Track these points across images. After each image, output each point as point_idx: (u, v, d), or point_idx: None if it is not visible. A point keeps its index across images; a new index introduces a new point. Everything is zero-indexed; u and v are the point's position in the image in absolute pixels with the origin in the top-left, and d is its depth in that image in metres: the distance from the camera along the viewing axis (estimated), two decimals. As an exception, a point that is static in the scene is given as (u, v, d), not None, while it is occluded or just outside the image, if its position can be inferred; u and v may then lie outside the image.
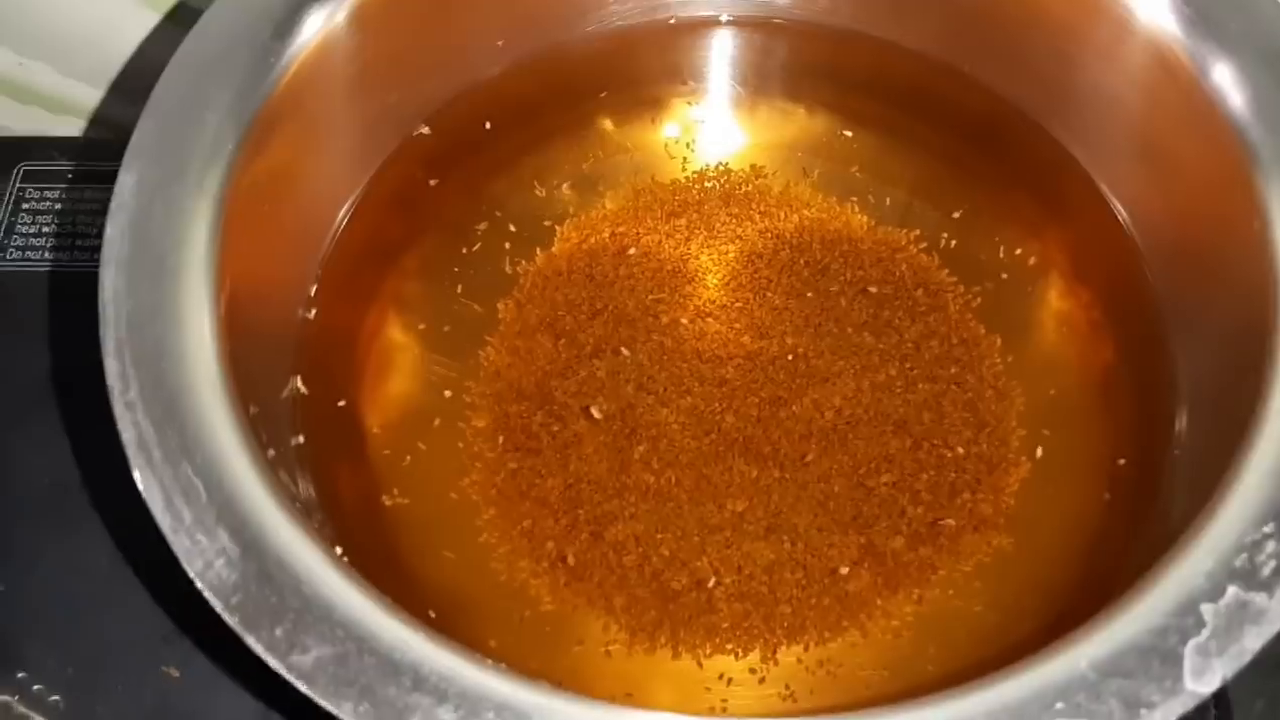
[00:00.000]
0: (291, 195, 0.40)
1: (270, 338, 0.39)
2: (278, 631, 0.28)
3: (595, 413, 0.42)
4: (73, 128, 0.64)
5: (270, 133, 0.37)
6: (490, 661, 0.28)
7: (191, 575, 0.28)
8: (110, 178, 0.57)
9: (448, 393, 0.44)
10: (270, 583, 0.28)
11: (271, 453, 0.32)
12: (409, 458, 0.42)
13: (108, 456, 0.49)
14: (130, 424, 0.30)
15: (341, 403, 0.42)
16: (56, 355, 0.53)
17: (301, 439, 0.40)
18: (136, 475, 0.29)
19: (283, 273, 0.41)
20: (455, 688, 0.27)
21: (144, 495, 0.29)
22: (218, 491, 0.30)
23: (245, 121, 0.36)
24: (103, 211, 0.56)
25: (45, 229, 0.57)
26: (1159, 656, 0.28)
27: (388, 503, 0.41)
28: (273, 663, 0.27)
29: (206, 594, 0.28)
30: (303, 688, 0.27)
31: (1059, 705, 0.27)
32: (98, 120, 0.63)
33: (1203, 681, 0.27)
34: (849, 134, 0.49)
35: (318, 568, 0.29)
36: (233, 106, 0.36)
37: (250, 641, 0.27)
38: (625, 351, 0.44)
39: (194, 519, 0.29)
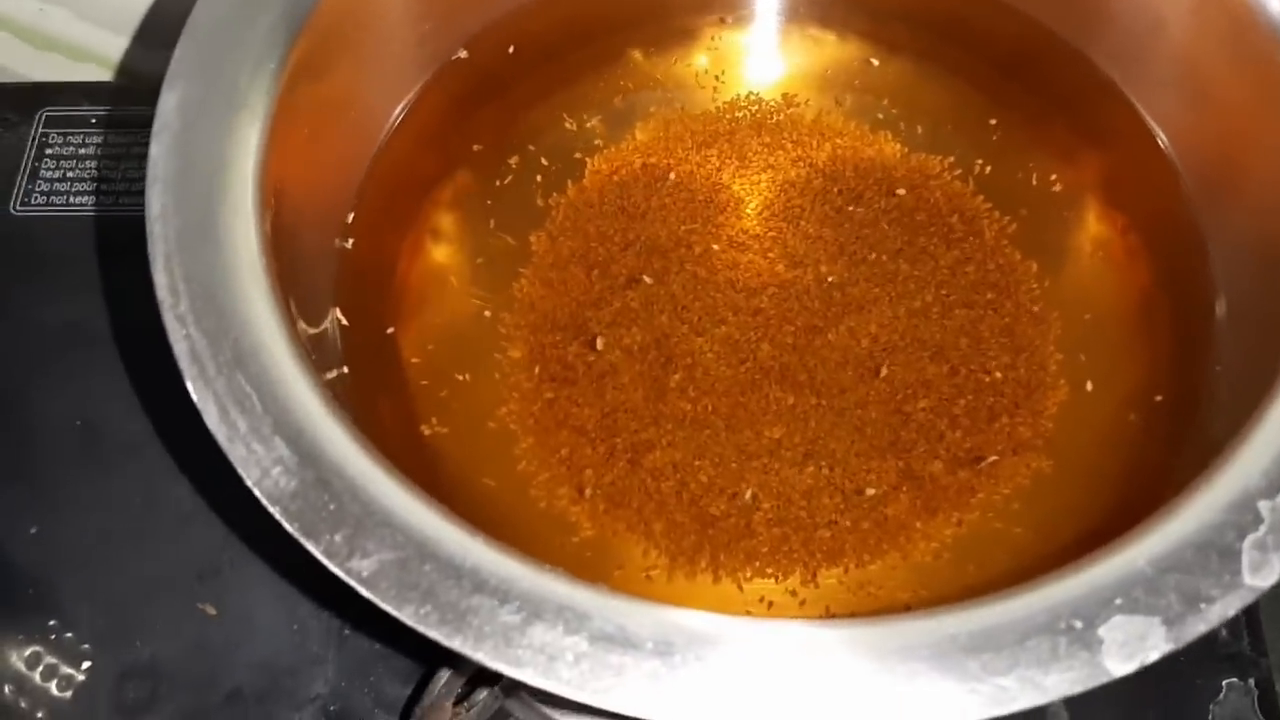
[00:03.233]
0: (331, 118, 0.40)
1: (311, 266, 0.39)
2: (337, 538, 0.28)
3: (600, 344, 0.42)
4: (94, 74, 0.63)
5: (312, 53, 0.37)
6: (549, 566, 0.28)
7: (249, 484, 0.28)
8: (134, 122, 0.58)
9: (483, 323, 0.43)
10: (328, 490, 0.28)
11: (333, 374, 0.32)
12: (446, 388, 0.42)
13: (143, 389, 0.51)
14: (182, 337, 0.30)
15: (390, 329, 0.42)
16: (81, 299, 0.53)
17: (346, 369, 0.40)
18: (190, 387, 0.29)
19: (323, 198, 0.41)
20: (516, 590, 0.27)
21: (198, 407, 0.29)
22: (272, 402, 0.29)
23: (288, 40, 0.36)
24: (126, 156, 0.57)
25: (69, 174, 0.57)
26: (1217, 552, 0.28)
27: (427, 432, 0.41)
28: (333, 568, 0.27)
29: (264, 502, 0.28)
30: (364, 592, 0.27)
31: (1118, 600, 0.27)
32: (119, 65, 0.63)
33: (1260, 575, 0.27)
34: (881, 61, 0.49)
35: (375, 476, 0.29)
36: (275, 25, 0.36)
37: (310, 547, 0.27)
38: (648, 279, 0.44)
39: (249, 428, 0.29)
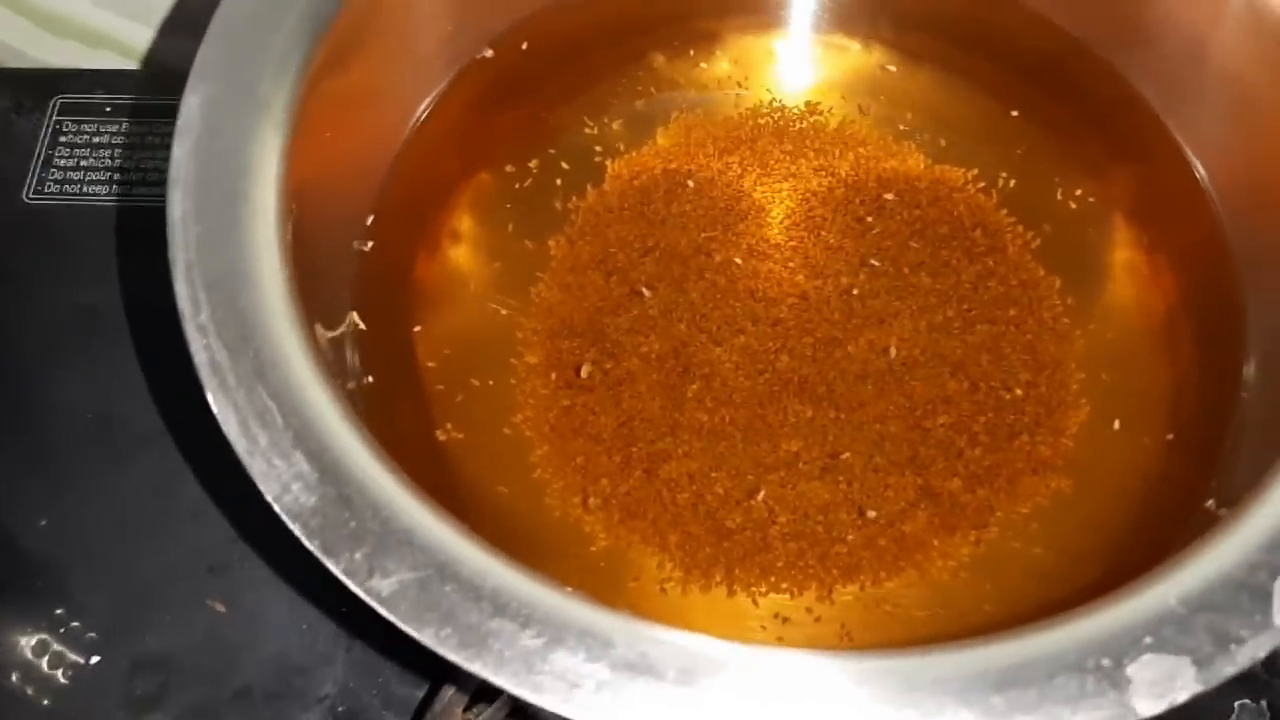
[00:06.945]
0: (354, 120, 0.40)
1: (330, 268, 0.39)
2: (357, 556, 0.27)
3: (583, 372, 0.42)
4: (110, 61, 0.63)
5: (337, 53, 0.37)
6: (570, 589, 0.28)
7: (269, 499, 0.28)
8: (150, 111, 0.57)
9: (500, 328, 0.43)
10: (349, 507, 0.28)
11: (352, 384, 0.32)
12: (462, 393, 0.42)
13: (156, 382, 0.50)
14: (203, 347, 0.30)
15: (417, 328, 0.42)
16: (95, 289, 0.53)
17: (366, 376, 0.39)
18: (210, 398, 0.29)
19: (343, 201, 0.40)
20: (538, 613, 0.27)
21: (219, 419, 0.29)
22: (294, 416, 0.29)
23: (312, 40, 0.35)
24: (141, 145, 0.57)
25: (84, 162, 0.57)
26: (1247, 592, 0.27)
27: (441, 437, 0.41)
28: (353, 587, 0.27)
29: (285, 518, 0.28)
30: (383, 612, 0.27)
31: (1148, 639, 0.27)
32: (136, 53, 0.62)
33: (1292, 617, 0.27)
34: (906, 71, 0.49)
35: (396, 494, 0.29)
36: (299, 25, 0.35)
37: (330, 565, 0.27)
38: (647, 291, 0.43)
39: (270, 442, 0.29)
